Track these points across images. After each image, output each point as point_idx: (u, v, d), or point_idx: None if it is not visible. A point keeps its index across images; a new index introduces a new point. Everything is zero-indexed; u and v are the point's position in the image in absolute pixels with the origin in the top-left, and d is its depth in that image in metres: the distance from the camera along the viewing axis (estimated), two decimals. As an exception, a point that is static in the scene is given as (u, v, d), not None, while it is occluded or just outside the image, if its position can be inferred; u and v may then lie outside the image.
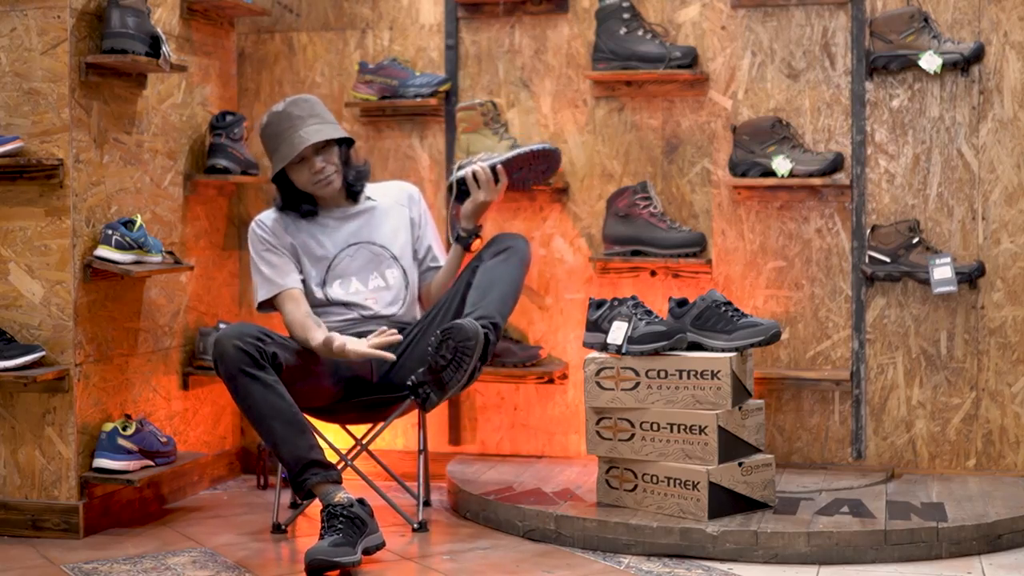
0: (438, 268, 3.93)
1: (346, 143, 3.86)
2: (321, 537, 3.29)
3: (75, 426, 3.66)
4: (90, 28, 3.71)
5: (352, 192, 3.89)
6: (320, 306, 3.79)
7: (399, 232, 3.90)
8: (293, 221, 3.85)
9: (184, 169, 4.21)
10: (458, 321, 3.44)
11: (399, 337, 3.59)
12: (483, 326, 3.47)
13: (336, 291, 3.80)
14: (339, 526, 3.29)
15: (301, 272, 3.81)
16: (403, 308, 3.85)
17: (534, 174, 4.02)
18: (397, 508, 3.79)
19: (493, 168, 3.88)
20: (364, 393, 3.73)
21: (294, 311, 3.70)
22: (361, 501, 3.37)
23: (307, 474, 3.40)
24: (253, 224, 3.85)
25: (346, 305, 3.80)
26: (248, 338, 3.41)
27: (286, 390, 3.44)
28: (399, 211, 3.93)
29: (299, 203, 3.84)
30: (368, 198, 3.92)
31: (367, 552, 3.33)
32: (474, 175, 3.85)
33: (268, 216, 3.87)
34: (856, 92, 4.09)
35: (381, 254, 3.85)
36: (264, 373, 3.41)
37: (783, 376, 4.12)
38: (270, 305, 3.80)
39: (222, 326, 4.18)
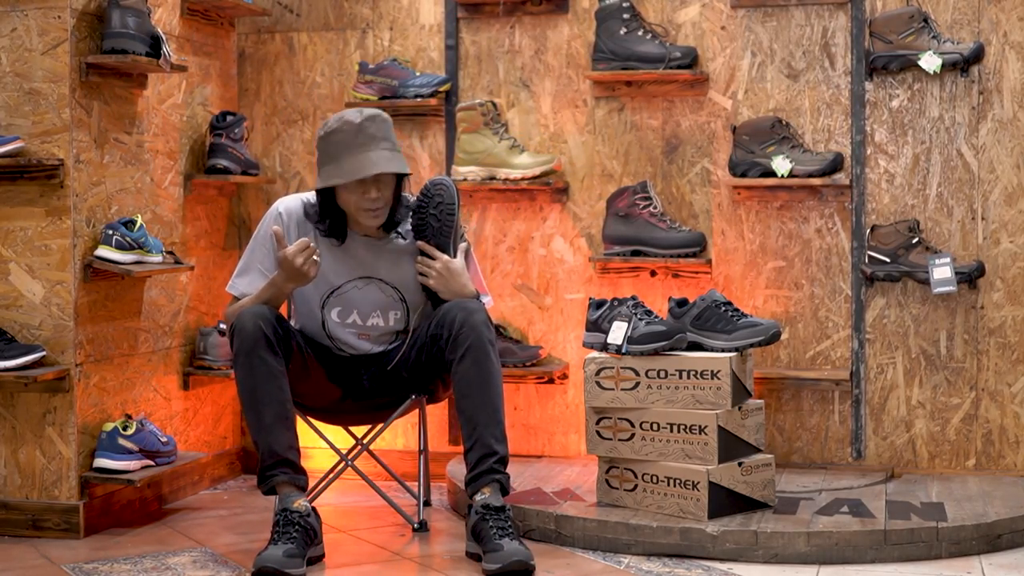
0: None
1: (404, 176, 3.62)
2: (273, 541, 3.27)
3: (75, 426, 3.66)
4: (90, 28, 3.71)
5: (388, 225, 3.65)
6: (312, 329, 3.69)
7: (415, 278, 3.67)
8: (315, 227, 3.63)
9: (184, 169, 4.21)
10: (497, 553, 3.25)
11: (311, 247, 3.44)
12: (494, 467, 3.40)
13: (333, 316, 3.66)
14: (294, 534, 3.28)
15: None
16: (390, 348, 3.71)
17: (438, 218, 3.57)
18: (397, 508, 3.79)
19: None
20: (363, 394, 3.72)
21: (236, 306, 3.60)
22: (314, 511, 3.38)
23: (277, 470, 3.40)
24: (277, 207, 3.64)
25: (332, 338, 3.67)
26: (270, 318, 3.41)
27: (288, 383, 3.44)
28: None
29: (332, 220, 3.59)
30: (398, 233, 3.68)
31: (309, 563, 3.33)
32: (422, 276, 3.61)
33: (294, 208, 3.64)
34: (856, 92, 4.09)
35: (391, 295, 3.67)
36: (275, 359, 3.41)
37: (783, 376, 4.12)
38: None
39: (222, 326, 4.19)
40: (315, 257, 3.45)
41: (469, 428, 3.45)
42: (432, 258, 3.58)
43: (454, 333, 3.46)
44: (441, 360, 3.53)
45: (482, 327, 3.46)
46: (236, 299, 3.64)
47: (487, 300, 3.72)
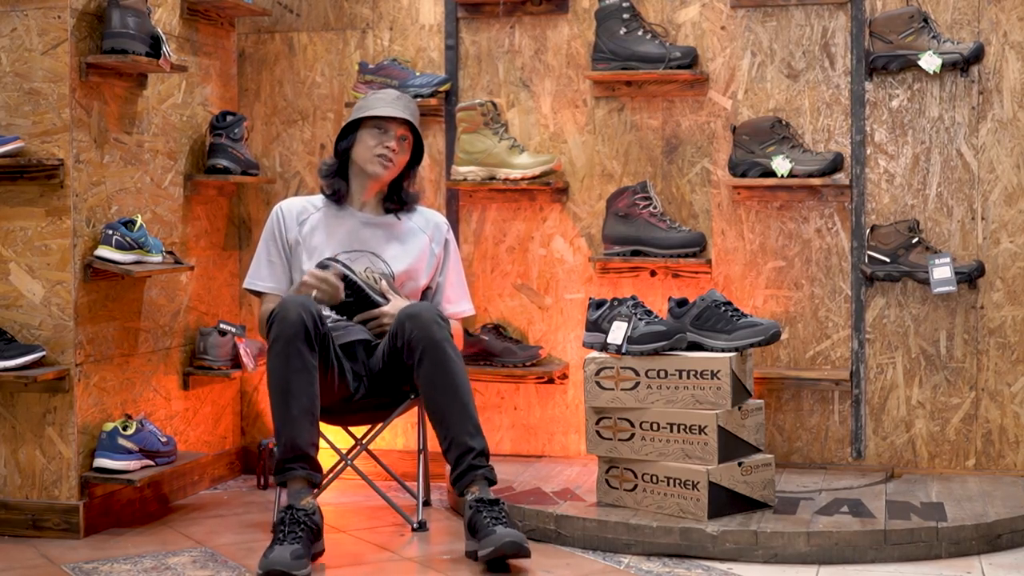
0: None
1: (418, 159, 3.90)
2: (279, 540, 3.26)
3: (75, 426, 3.67)
4: (90, 28, 3.71)
5: (388, 199, 3.89)
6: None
7: (408, 256, 3.87)
8: (312, 213, 3.87)
9: (184, 169, 4.22)
10: (492, 537, 3.25)
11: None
12: (474, 463, 3.43)
13: None
14: (300, 534, 3.28)
15: (292, 268, 3.86)
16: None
17: (350, 294, 3.73)
18: (397, 508, 3.79)
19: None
20: (363, 394, 3.73)
21: (268, 306, 3.79)
22: (319, 508, 3.39)
23: (295, 464, 3.40)
24: (276, 207, 3.91)
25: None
26: (313, 311, 3.45)
27: (318, 379, 3.45)
28: (418, 236, 3.90)
29: (340, 177, 3.85)
30: (394, 215, 3.90)
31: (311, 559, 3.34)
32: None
33: (290, 204, 3.91)
34: (856, 92, 4.09)
35: (379, 267, 3.83)
36: (310, 353, 3.43)
37: (783, 376, 4.13)
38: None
39: (223, 326, 4.19)
40: (314, 293, 3.61)
41: (443, 429, 3.48)
42: (376, 316, 3.73)
43: (407, 339, 3.53)
44: (408, 368, 3.57)
45: (432, 326, 3.51)
46: (258, 295, 3.88)
47: (466, 308, 3.94)
